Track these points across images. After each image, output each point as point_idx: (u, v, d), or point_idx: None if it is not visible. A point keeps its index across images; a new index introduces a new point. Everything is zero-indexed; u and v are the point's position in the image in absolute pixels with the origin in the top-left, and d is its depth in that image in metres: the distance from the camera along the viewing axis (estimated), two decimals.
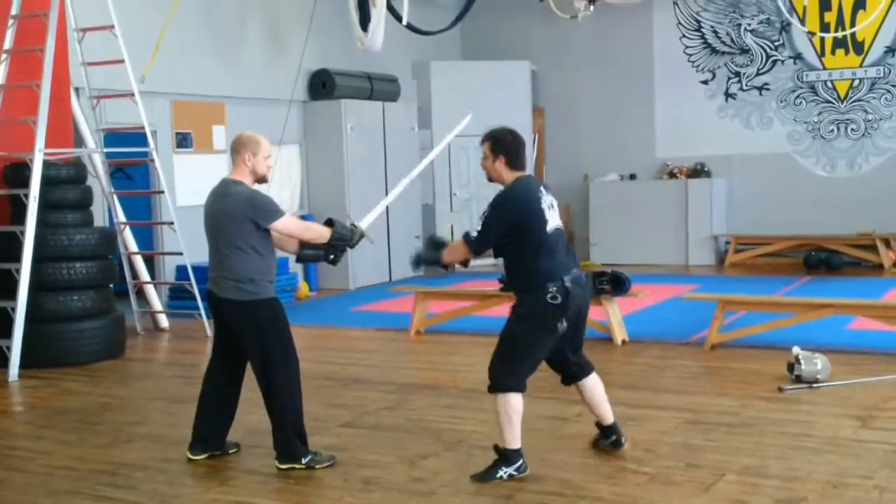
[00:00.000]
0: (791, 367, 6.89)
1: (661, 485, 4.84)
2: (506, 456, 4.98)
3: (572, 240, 16.01)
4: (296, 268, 12.90)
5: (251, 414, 5.88)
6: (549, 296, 4.91)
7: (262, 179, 5.37)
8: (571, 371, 5.33)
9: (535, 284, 4.97)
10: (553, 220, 5.14)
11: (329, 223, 5.47)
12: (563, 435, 5.83)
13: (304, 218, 13.25)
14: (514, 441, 4.97)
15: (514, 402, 4.96)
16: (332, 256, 5.47)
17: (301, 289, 12.55)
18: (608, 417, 5.36)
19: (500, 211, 5.05)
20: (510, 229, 5.01)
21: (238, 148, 5.30)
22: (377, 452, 5.54)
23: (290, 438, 5.28)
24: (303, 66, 12.58)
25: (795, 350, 6.93)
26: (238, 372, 5.54)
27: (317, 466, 5.25)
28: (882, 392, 6.59)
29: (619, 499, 4.65)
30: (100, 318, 8.75)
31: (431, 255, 5.44)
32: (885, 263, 13.55)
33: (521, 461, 4.99)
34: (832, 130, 14.48)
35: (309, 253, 5.49)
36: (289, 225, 5.31)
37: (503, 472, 4.95)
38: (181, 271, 10.64)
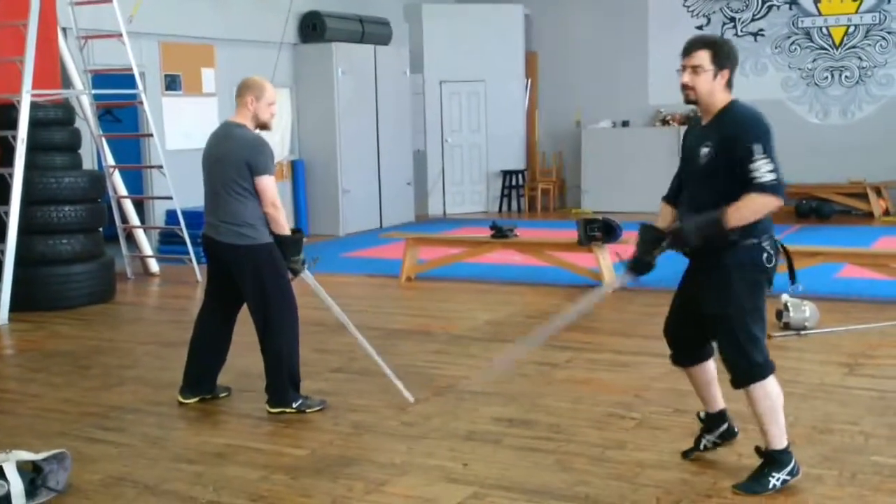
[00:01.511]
0: (779, 315, 6.93)
1: (648, 429, 4.88)
2: (775, 459, 4.07)
3: (564, 187, 16.05)
4: (286, 213, 12.86)
5: (242, 357, 5.90)
6: (764, 255, 3.97)
7: (263, 126, 5.31)
8: (699, 344, 4.34)
9: (749, 235, 3.94)
10: None
11: (297, 232, 5.42)
12: (552, 380, 5.87)
13: (294, 164, 13.26)
14: (782, 438, 4.07)
15: (775, 387, 4.05)
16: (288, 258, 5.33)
17: None
18: (719, 402, 4.50)
19: (771, 136, 3.91)
20: None
21: (242, 91, 5.25)
22: (367, 397, 5.57)
23: (283, 383, 5.29)
24: (293, 8, 12.41)
25: (784, 297, 6.95)
26: (230, 316, 5.54)
27: (307, 411, 5.28)
28: (869, 339, 6.63)
29: (608, 443, 4.69)
30: (89, 261, 8.73)
31: (703, 227, 3.92)
32: (876, 212, 13.58)
33: (793, 462, 4.08)
34: (826, 77, 14.41)
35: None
36: (269, 187, 5.18)
37: (775, 479, 4.04)
38: (171, 216, 10.59)
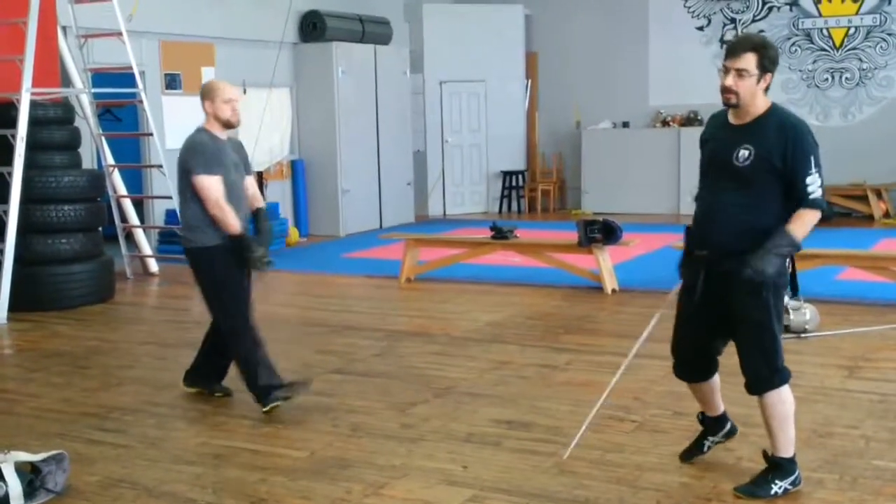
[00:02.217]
0: None
1: (648, 432, 4.87)
2: (780, 466, 4.05)
3: (564, 187, 16.04)
4: (286, 214, 12.88)
5: None
6: (787, 261, 3.99)
7: (228, 124, 5.34)
8: (713, 359, 4.29)
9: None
10: None
11: (258, 223, 5.42)
12: (552, 382, 5.86)
13: (293, 164, 13.24)
14: (790, 447, 4.05)
15: (789, 394, 4.03)
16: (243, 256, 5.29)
17: (291, 235, 12.52)
18: (720, 406, 4.48)
19: (816, 143, 3.95)
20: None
21: (201, 98, 5.36)
22: (366, 399, 5.56)
23: (255, 388, 5.31)
24: (293, 7, 12.40)
25: (784, 300, 6.94)
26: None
27: (279, 403, 5.27)
28: (870, 342, 6.62)
29: (607, 446, 4.67)
30: (89, 261, 8.72)
31: (783, 251, 3.90)
32: (876, 214, 13.57)
33: (797, 472, 4.07)
34: (826, 79, 14.40)
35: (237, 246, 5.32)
36: (206, 187, 5.17)
37: (777, 487, 4.02)
38: (171, 215, 10.58)
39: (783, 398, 4.00)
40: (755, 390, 4.03)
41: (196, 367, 5.72)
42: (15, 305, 8.07)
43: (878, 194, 13.74)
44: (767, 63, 3.90)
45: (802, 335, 6.77)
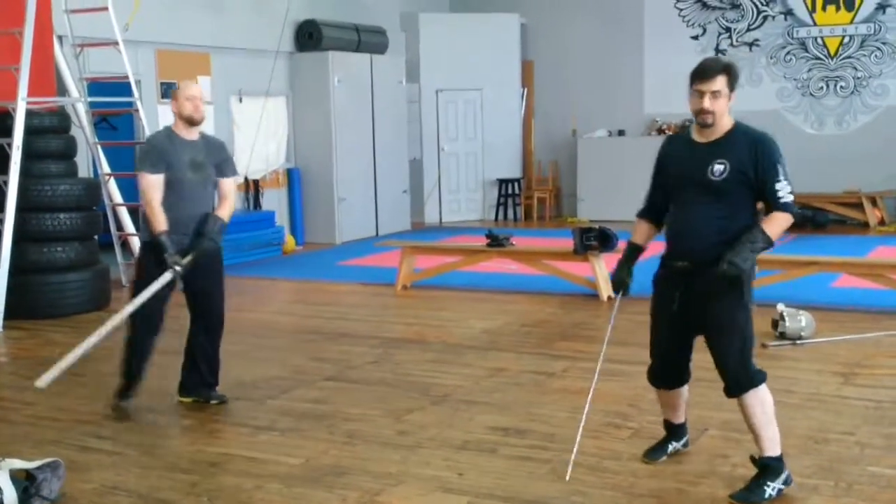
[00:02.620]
0: (775, 324, 6.93)
1: (644, 439, 4.86)
2: (770, 467, 4.10)
3: (560, 196, 16.05)
4: (282, 221, 12.88)
5: (236, 367, 5.89)
6: (755, 266, 4.15)
7: (190, 120, 5.40)
8: (686, 368, 4.45)
9: None
10: None
11: (202, 226, 5.36)
12: (547, 390, 5.86)
13: (290, 172, 13.25)
14: (776, 446, 4.11)
15: (768, 394, 4.13)
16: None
17: (287, 242, 12.52)
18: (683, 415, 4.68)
19: (782, 154, 4.09)
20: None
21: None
22: (362, 406, 5.56)
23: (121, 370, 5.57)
24: (289, 16, 12.43)
25: (780, 307, 6.96)
26: (196, 323, 5.63)
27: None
28: (865, 349, 6.63)
29: (603, 453, 4.68)
30: (84, 269, 8.71)
31: (757, 247, 4.05)
32: (871, 221, 13.60)
33: (786, 471, 4.12)
34: (821, 87, 14.45)
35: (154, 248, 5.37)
36: (141, 185, 5.35)
37: (771, 489, 4.06)
38: None
39: (762, 398, 4.10)
40: (735, 391, 4.13)
41: (180, 378, 5.73)
42: (10, 313, 8.06)
43: (873, 202, 13.77)
44: (734, 81, 4.13)
45: (798, 342, 6.77)
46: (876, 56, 14.10)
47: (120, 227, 10.29)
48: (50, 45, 9.45)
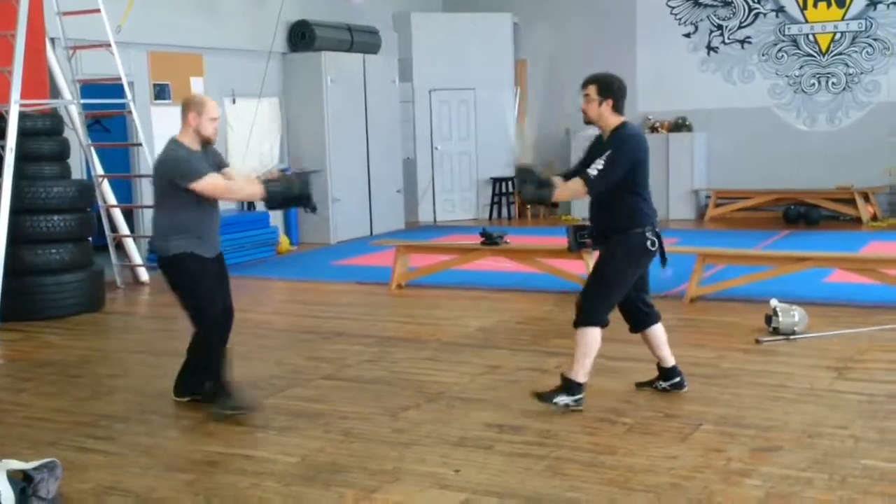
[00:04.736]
0: (769, 320, 6.95)
1: (639, 435, 4.89)
2: (569, 386, 5.17)
3: None
4: (276, 222, 12.87)
5: (235, 367, 5.88)
6: (648, 241, 5.14)
7: (208, 141, 5.42)
8: (642, 316, 5.46)
9: (635, 225, 5.15)
10: None
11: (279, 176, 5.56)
12: (542, 386, 5.85)
13: (283, 171, 13.24)
14: (582, 375, 5.16)
15: (595, 336, 5.16)
16: (293, 205, 5.66)
17: (282, 243, 12.52)
18: (669, 360, 5.53)
19: (625, 150, 5.11)
20: (628, 170, 5.10)
21: (184, 108, 5.41)
22: (358, 404, 5.57)
23: (212, 376, 5.44)
24: (282, 17, 12.42)
25: (773, 302, 6.98)
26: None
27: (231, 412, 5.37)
28: (858, 344, 6.66)
29: (598, 448, 4.70)
30: (79, 271, 8.71)
31: (542, 193, 5.40)
32: (864, 217, 13.65)
33: (581, 395, 5.18)
34: (813, 84, 14.49)
35: (273, 203, 5.54)
36: (206, 188, 5.28)
37: (561, 400, 5.15)
38: None
39: (590, 337, 5.13)
40: (575, 323, 5.17)
41: (182, 380, 5.72)
42: (5, 316, 8.05)
43: (866, 197, 13.82)
44: (606, 92, 5.29)
45: (791, 337, 6.80)
46: (867, 52, 14.15)
47: (114, 229, 10.29)
48: (42, 47, 9.45)
